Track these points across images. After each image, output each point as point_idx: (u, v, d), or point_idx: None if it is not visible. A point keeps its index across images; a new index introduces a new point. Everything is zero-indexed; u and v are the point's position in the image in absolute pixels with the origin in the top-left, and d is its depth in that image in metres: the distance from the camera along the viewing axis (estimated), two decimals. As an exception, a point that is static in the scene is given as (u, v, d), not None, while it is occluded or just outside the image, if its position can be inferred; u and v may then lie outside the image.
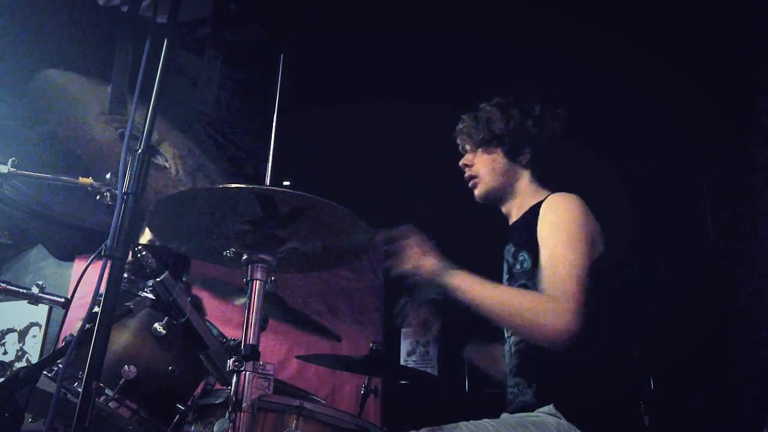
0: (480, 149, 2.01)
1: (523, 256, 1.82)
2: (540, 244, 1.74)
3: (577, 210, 1.76)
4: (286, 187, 1.43)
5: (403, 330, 4.66)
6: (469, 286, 1.68)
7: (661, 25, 3.09)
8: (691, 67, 3.24)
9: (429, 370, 4.48)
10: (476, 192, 2.03)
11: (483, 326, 2.15)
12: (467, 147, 2.04)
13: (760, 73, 3.18)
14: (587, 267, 1.65)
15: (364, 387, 2.95)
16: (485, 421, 1.63)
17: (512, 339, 1.84)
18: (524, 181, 1.98)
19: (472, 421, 1.63)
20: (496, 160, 1.98)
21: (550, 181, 1.98)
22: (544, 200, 1.85)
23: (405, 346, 4.67)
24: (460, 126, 2.07)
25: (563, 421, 1.61)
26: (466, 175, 2.04)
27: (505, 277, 1.90)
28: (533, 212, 1.85)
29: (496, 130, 1.97)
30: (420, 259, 1.72)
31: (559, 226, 1.73)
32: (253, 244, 1.52)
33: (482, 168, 1.99)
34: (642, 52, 3.17)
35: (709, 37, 3.10)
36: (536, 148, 1.96)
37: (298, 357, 3.36)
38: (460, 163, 2.05)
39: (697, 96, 3.30)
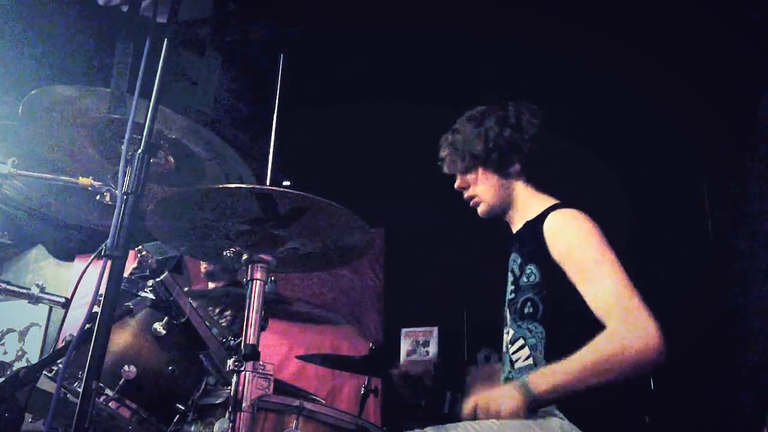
0: (468, 173, 1.97)
1: (531, 269, 1.79)
2: (564, 265, 1.70)
3: (588, 223, 1.74)
4: (286, 187, 1.43)
5: (404, 330, 4.66)
6: (548, 386, 1.57)
7: (661, 25, 3.10)
8: (691, 67, 3.24)
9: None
10: (480, 211, 1.99)
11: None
12: (454, 173, 2.01)
13: (760, 72, 3.18)
14: (625, 271, 1.62)
15: (364, 387, 2.95)
16: (488, 421, 1.62)
17: (514, 353, 1.82)
18: (520, 189, 1.95)
19: (475, 421, 1.62)
20: (488, 179, 1.94)
21: (545, 183, 1.95)
22: (546, 211, 1.82)
23: (405, 346, 4.68)
24: (442, 154, 2.03)
25: (566, 421, 1.61)
26: (464, 196, 2.02)
27: (511, 288, 1.88)
28: (537, 222, 1.82)
29: (475, 152, 1.93)
30: (492, 406, 1.58)
31: (582, 244, 1.70)
32: (253, 244, 1.52)
33: (478, 189, 1.96)
34: (642, 52, 3.17)
35: (709, 37, 3.10)
36: (523, 155, 1.92)
37: (298, 357, 3.36)
38: (456, 187, 2.02)
39: (697, 96, 3.30)
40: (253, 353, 1.40)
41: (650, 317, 1.54)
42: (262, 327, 1.48)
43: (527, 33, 3.13)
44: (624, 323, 1.55)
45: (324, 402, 2.29)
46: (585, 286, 1.65)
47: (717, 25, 3.04)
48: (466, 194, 2.00)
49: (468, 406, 1.61)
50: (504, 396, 1.58)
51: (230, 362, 1.39)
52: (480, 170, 1.95)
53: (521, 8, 3.02)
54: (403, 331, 4.67)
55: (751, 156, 3.31)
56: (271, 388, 1.40)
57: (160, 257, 2.44)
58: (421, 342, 4.64)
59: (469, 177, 1.97)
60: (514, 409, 1.55)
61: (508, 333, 1.86)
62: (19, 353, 5.59)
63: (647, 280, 1.54)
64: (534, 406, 1.57)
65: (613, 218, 1.74)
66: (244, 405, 1.36)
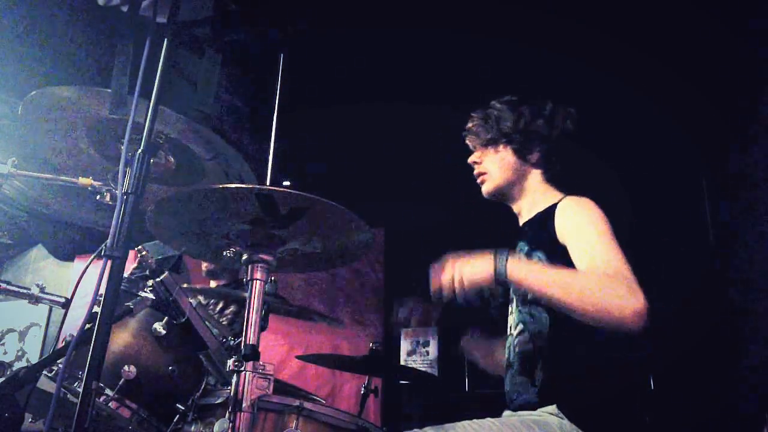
0: (489, 147, 1.99)
1: (538, 255, 1.80)
2: (566, 241, 1.72)
3: (598, 210, 1.76)
4: (286, 187, 1.43)
5: (403, 330, 4.66)
6: (526, 274, 1.59)
7: (661, 25, 3.10)
8: (691, 67, 3.24)
9: (429, 370, 4.48)
10: (484, 189, 2.01)
11: (483, 319, 2.14)
12: (476, 145, 2.03)
13: (760, 72, 3.18)
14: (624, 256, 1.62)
15: (364, 387, 2.95)
16: (488, 420, 1.63)
17: (516, 337, 1.84)
18: (534, 179, 1.96)
19: (474, 420, 1.63)
20: (505, 158, 1.96)
21: (560, 181, 1.97)
22: (558, 202, 1.84)
23: (405, 346, 4.68)
24: (469, 124, 2.05)
25: (566, 421, 1.61)
26: (474, 172, 2.03)
27: None
28: (547, 213, 1.84)
29: (505, 129, 1.96)
30: (466, 267, 1.60)
31: (588, 224, 1.72)
32: (253, 244, 1.52)
33: (491, 165, 1.98)
34: (642, 52, 3.17)
35: (709, 37, 3.10)
36: (546, 148, 1.94)
37: (298, 357, 3.36)
38: (469, 161, 2.03)
39: (697, 96, 3.30)
40: (253, 353, 1.40)
41: (640, 288, 1.50)
42: (263, 327, 1.48)
43: (527, 33, 3.13)
44: (616, 279, 1.53)
45: (324, 402, 2.29)
46: (581, 255, 1.66)
47: (717, 26, 3.04)
48: (476, 169, 2.02)
49: (446, 274, 1.61)
50: (478, 261, 1.59)
51: (230, 362, 1.39)
52: (501, 146, 1.97)
53: (521, 8, 3.02)
54: (403, 331, 4.67)
55: (751, 155, 3.31)
56: (271, 388, 1.40)
57: (160, 257, 2.44)
58: (421, 342, 4.64)
59: (488, 150, 1.99)
60: (483, 278, 1.57)
61: (511, 318, 1.88)
62: (19, 353, 5.59)
63: (647, 280, 1.54)
64: (502, 279, 1.58)
65: (613, 218, 1.74)
66: (244, 405, 1.36)
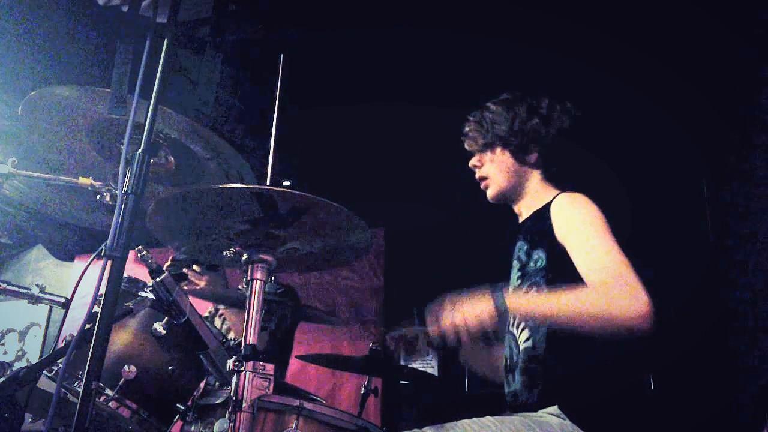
0: (487, 151, 1.98)
1: (538, 254, 1.80)
2: (564, 241, 1.72)
3: (593, 206, 1.76)
4: (286, 187, 1.43)
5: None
6: (526, 307, 1.62)
7: (661, 26, 3.09)
8: (691, 67, 3.24)
9: (429, 370, 4.48)
10: (488, 194, 2.00)
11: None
12: (474, 149, 2.02)
13: (760, 72, 3.18)
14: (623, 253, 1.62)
15: (364, 387, 2.95)
16: (488, 419, 1.62)
17: (515, 337, 1.84)
18: (534, 180, 1.95)
19: (474, 419, 1.63)
20: (504, 161, 1.95)
21: (559, 179, 1.96)
22: (553, 199, 1.84)
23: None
24: (466, 129, 2.04)
25: (567, 422, 1.61)
26: (476, 176, 2.03)
27: (517, 275, 1.89)
28: (544, 210, 1.83)
29: (500, 132, 1.94)
30: (467, 311, 1.58)
31: (584, 221, 1.71)
32: (253, 244, 1.52)
33: (491, 169, 1.97)
34: (642, 52, 3.17)
35: (709, 37, 3.10)
36: (543, 147, 1.93)
37: (298, 357, 3.35)
38: (470, 164, 2.03)
39: (697, 96, 3.30)
40: (253, 353, 1.40)
41: (644, 289, 1.51)
42: (263, 328, 1.48)
43: (527, 33, 3.12)
44: (618, 284, 1.53)
45: (324, 402, 2.28)
46: (580, 257, 1.65)
47: (717, 25, 3.04)
48: (478, 174, 2.01)
49: (445, 321, 1.59)
50: (478, 309, 1.57)
51: (230, 362, 1.39)
52: (498, 151, 1.96)
53: (521, 8, 3.02)
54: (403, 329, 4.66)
55: (751, 155, 3.31)
56: (271, 388, 1.40)
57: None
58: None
59: (487, 155, 1.98)
60: (486, 319, 1.56)
61: (510, 318, 1.87)
62: (19, 353, 5.59)
63: (647, 279, 1.54)
64: (504, 315, 1.58)
65: (613, 218, 1.74)
66: (244, 405, 1.36)
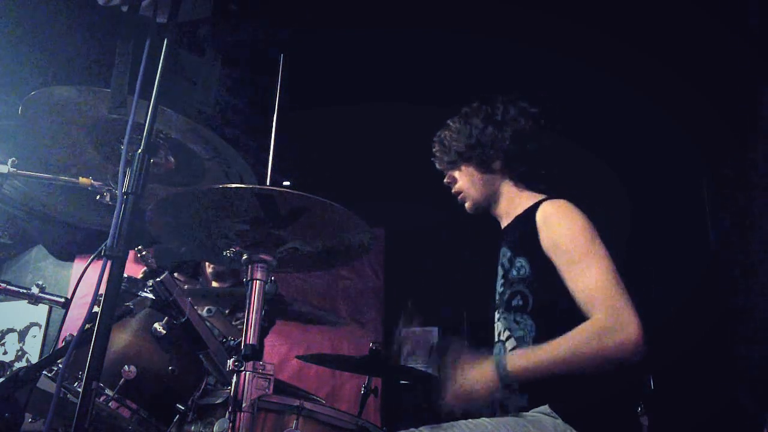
0: (454, 169, 2.02)
1: (521, 262, 1.81)
2: (551, 256, 1.72)
3: (578, 214, 1.75)
4: (286, 187, 1.43)
5: (404, 330, 4.66)
6: (524, 367, 1.64)
7: (661, 25, 3.09)
8: (691, 68, 3.24)
9: (429, 370, 4.48)
10: (466, 207, 2.05)
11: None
12: (443, 168, 2.07)
13: (760, 73, 3.18)
14: (614, 266, 1.64)
15: (364, 387, 2.95)
16: (483, 420, 1.63)
17: (503, 344, 1.83)
18: (507, 185, 1.97)
19: (470, 419, 1.63)
20: (471, 174, 1.99)
21: (529, 180, 1.97)
22: (536, 205, 1.83)
23: (405, 346, 4.67)
24: (433, 150, 2.09)
25: (559, 420, 1.61)
26: (452, 191, 2.06)
27: (500, 282, 1.89)
28: (526, 217, 1.84)
29: (459, 149, 1.98)
30: (472, 382, 1.66)
31: (572, 236, 1.71)
32: (253, 244, 1.52)
33: (463, 184, 2.01)
34: (642, 52, 3.17)
35: (709, 37, 3.10)
36: (504, 152, 1.94)
37: (298, 357, 3.35)
38: (444, 182, 2.08)
39: (697, 96, 3.30)
40: (253, 353, 1.40)
41: (633, 313, 1.57)
42: (266, 328, 1.48)
43: (527, 33, 3.12)
44: (607, 316, 1.58)
45: (324, 402, 2.29)
46: (571, 277, 1.68)
47: (717, 25, 3.04)
48: (453, 189, 2.06)
49: (450, 397, 1.67)
50: (481, 380, 1.65)
51: (230, 362, 1.39)
52: (463, 166, 2.00)
53: (521, 8, 3.02)
54: (403, 331, 4.66)
55: (751, 156, 3.31)
56: (271, 388, 1.40)
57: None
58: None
59: (455, 173, 2.02)
60: (491, 390, 1.64)
61: (498, 325, 1.89)
62: (19, 353, 5.59)
63: (648, 280, 1.54)
64: (508, 383, 1.64)
65: (613, 218, 1.74)
66: (244, 405, 1.36)
